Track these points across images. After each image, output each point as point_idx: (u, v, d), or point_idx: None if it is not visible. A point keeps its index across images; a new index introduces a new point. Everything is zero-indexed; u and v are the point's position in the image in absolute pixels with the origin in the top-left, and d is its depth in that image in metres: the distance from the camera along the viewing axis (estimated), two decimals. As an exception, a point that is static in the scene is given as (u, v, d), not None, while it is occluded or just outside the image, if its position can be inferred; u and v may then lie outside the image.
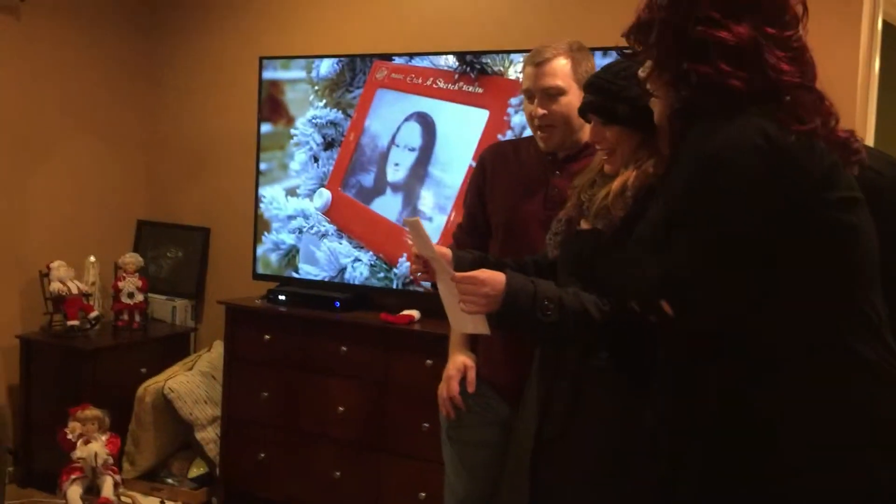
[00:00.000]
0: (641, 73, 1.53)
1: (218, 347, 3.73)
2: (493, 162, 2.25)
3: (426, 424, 2.99)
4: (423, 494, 3.03)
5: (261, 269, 3.64)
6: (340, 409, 3.24)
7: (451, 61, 3.21)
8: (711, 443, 1.40)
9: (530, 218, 2.10)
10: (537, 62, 2.07)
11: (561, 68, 2.06)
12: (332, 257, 3.48)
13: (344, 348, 3.23)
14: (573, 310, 1.69)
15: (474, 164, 2.39)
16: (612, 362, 1.75)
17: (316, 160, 3.51)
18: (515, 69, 3.08)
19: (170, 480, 3.65)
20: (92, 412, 3.35)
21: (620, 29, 1.54)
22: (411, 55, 3.31)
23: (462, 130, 3.20)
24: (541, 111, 2.06)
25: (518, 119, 3.05)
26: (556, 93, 2.05)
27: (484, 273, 1.69)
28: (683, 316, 1.38)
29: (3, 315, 3.70)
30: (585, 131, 1.93)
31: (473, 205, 2.27)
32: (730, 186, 1.31)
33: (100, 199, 4.07)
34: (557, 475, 1.80)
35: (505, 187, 2.19)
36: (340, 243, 3.47)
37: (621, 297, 1.60)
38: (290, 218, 3.57)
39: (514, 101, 3.08)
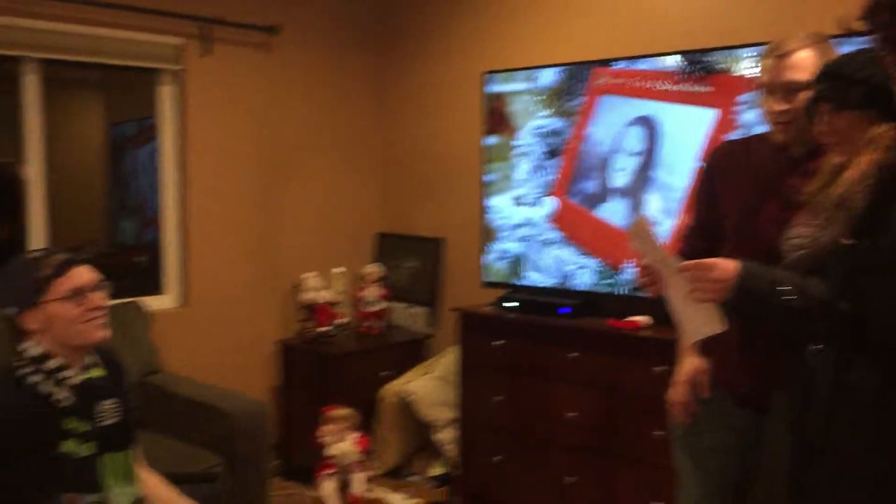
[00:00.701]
0: (879, 53, 1.43)
1: (453, 353, 3.90)
2: (722, 162, 2.18)
3: (658, 432, 2.95)
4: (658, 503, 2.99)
5: (489, 277, 3.76)
6: (570, 414, 3.27)
7: (673, 62, 3.15)
8: None
9: (766, 220, 2.01)
10: (779, 54, 1.97)
11: (804, 61, 1.95)
12: (558, 264, 3.53)
13: (573, 354, 3.27)
14: (819, 299, 1.59)
15: (701, 165, 2.32)
16: (871, 371, 1.64)
17: (540, 169, 3.58)
18: (743, 65, 2.96)
19: (413, 478, 3.87)
20: (342, 412, 3.61)
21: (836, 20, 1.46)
22: (633, 58, 3.28)
23: (687, 131, 3.12)
24: (781, 107, 1.97)
25: (748, 117, 2.93)
26: (799, 87, 1.94)
27: (712, 259, 1.66)
28: None
29: (264, 322, 4.12)
30: None
31: (703, 207, 2.22)
32: None
33: (343, 213, 4.41)
34: (824, 494, 1.70)
35: (737, 188, 2.11)
36: (565, 250, 3.50)
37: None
38: (517, 226, 3.66)
39: (742, 98, 2.96)
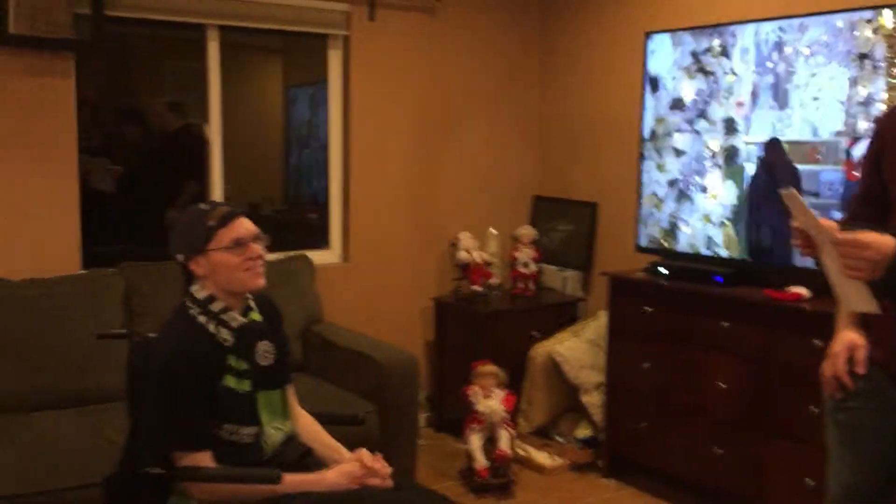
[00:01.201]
0: None
1: (603, 317, 3.88)
2: (891, 125, 2.05)
3: (814, 408, 2.83)
4: (812, 482, 2.88)
5: (642, 243, 3.71)
6: (721, 384, 3.19)
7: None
8: None
9: None
10: None
11: None
12: (711, 232, 3.42)
13: (725, 324, 3.18)
14: None
15: (873, 129, 2.18)
16: None
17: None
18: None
19: (559, 438, 3.92)
20: (491, 368, 3.70)
21: None
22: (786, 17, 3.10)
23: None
24: None
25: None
26: None
27: (868, 235, 1.58)
28: None
29: (420, 279, 4.27)
30: None
31: (870, 173, 2.09)
32: None
33: (500, 175, 4.46)
34: None
35: None
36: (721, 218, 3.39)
37: None
38: (673, 190, 3.57)
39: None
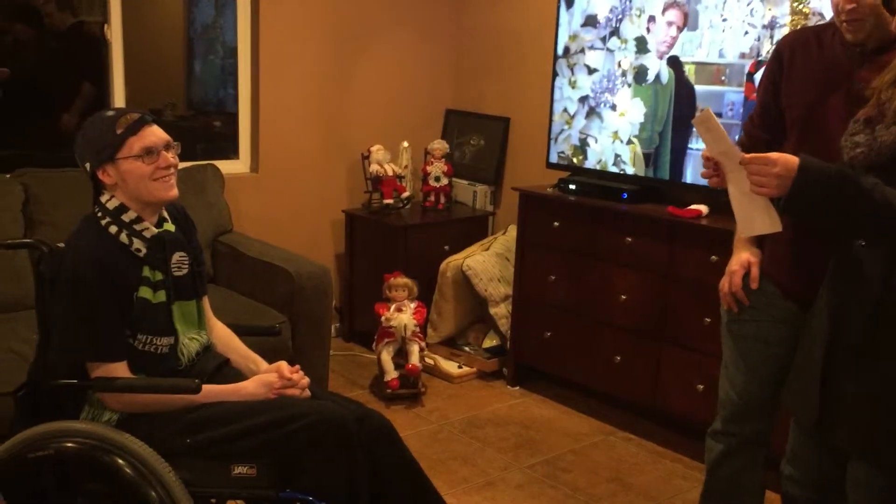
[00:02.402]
0: None
1: (512, 231, 3.97)
2: (791, 50, 2.11)
3: (708, 319, 3.00)
4: (701, 387, 3.08)
5: (553, 159, 3.77)
6: (623, 297, 3.34)
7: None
8: None
9: (830, 113, 1.97)
10: None
11: None
12: (620, 148, 3.51)
13: (629, 239, 3.30)
14: (875, 198, 1.61)
15: (774, 51, 2.25)
16: None
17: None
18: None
19: (467, 348, 4.04)
20: (403, 280, 3.74)
21: None
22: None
23: None
24: (849, 5, 1.90)
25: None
26: None
27: (775, 154, 1.67)
28: None
29: (331, 192, 4.24)
30: None
31: (767, 96, 2.16)
32: None
33: (413, 88, 4.42)
34: (855, 390, 1.76)
35: (803, 79, 2.05)
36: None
37: None
38: (585, 107, 3.63)
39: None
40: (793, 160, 1.64)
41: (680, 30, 3.29)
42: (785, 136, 2.11)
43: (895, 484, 1.75)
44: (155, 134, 1.96)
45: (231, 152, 4.04)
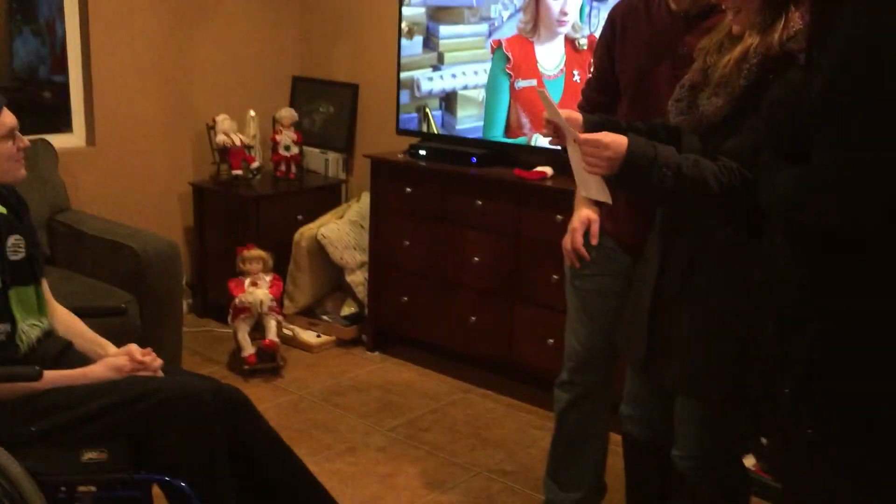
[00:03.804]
0: None
1: (365, 198, 3.98)
2: (623, 17, 2.21)
3: (555, 276, 3.13)
4: (552, 341, 3.22)
5: (403, 125, 3.80)
6: (476, 259, 3.43)
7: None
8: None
9: (659, 78, 2.08)
10: None
11: None
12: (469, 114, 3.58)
13: (479, 202, 3.39)
14: (691, 178, 1.73)
15: (608, 19, 2.35)
16: (728, 223, 1.80)
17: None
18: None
19: (325, 317, 4.03)
20: (256, 252, 3.68)
21: None
22: None
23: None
24: None
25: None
26: None
27: (608, 136, 1.76)
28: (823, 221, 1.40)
29: (177, 163, 4.10)
30: None
31: (602, 62, 2.26)
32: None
33: (257, 56, 4.31)
34: (676, 331, 1.90)
35: (634, 45, 2.16)
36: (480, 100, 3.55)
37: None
38: (434, 71, 3.67)
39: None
40: (622, 143, 1.74)
41: (520, -4, 3.37)
42: (620, 100, 2.23)
43: (714, 414, 1.91)
44: (10, 115, 1.92)
45: (63, 125, 3.82)
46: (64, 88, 3.83)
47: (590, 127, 1.89)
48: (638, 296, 2.01)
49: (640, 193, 1.88)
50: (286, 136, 4.16)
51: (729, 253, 1.81)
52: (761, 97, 1.67)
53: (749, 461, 2.64)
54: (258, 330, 3.63)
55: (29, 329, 1.95)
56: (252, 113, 4.12)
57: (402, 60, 3.74)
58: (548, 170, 3.29)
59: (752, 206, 1.66)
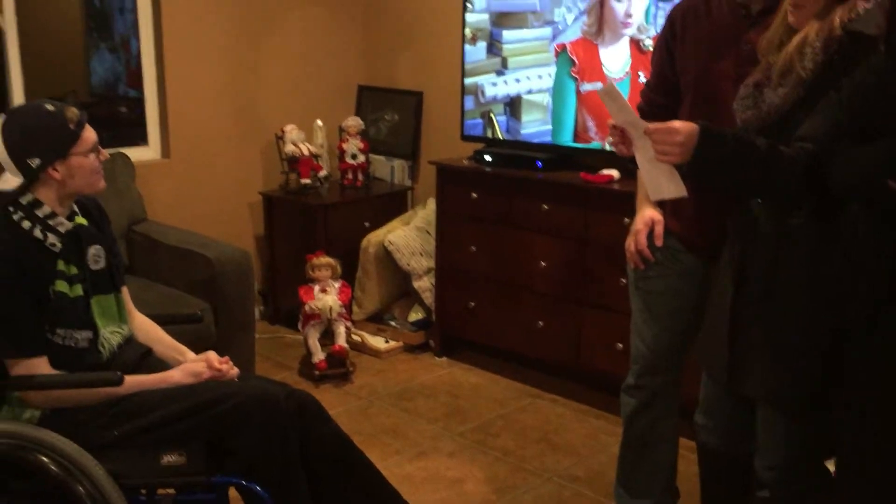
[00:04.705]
0: None
1: (431, 204, 4.00)
2: (683, 17, 2.17)
3: (623, 280, 3.09)
4: (620, 345, 3.18)
5: (468, 131, 3.81)
6: (543, 263, 3.42)
7: None
8: None
9: (721, 77, 2.04)
10: None
11: None
12: (535, 119, 3.57)
13: (545, 206, 3.38)
14: (772, 161, 1.69)
15: (667, 19, 2.32)
16: (810, 218, 1.75)
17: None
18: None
19: (392, 323, 4.07)
20: (326, 259, 3.74)
21: None
22: None
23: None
24: None
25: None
26: None
27: (677, 122, 1.73)
28: None
29: (248, 174, 4.20)
30: None
31: (662, 63, 2.23)
32: None
33: (323, 66, 4.38)
34: (758, 339, 1.85)
35: (695, 44, 2.12)
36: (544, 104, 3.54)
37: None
38: (500, 77, 3.67)
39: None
40: (694, 128, 1.70)
41: None
42: (681, 101, 2.19)
43: (799, 424, 1.86)
44: (91, 130, 1.98)
45: (139, 139, 3.95)
46: (139, 103, 3.96)
47: None
48: (716, 306, 1.96)
49: (716, 180, 1.82)
50: (353, 145, 4.21)
51: (812, 248, 1.75)
52: (830, 82, 1.63)
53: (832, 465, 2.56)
54: (327, 336, 3.68)
55: (110, 336, 2.02)
56: (319, 122, 4.19)
57: (466, 66, 3.75)
58: (614, 173, 3.26)
59: (832, 199, 1.61)
